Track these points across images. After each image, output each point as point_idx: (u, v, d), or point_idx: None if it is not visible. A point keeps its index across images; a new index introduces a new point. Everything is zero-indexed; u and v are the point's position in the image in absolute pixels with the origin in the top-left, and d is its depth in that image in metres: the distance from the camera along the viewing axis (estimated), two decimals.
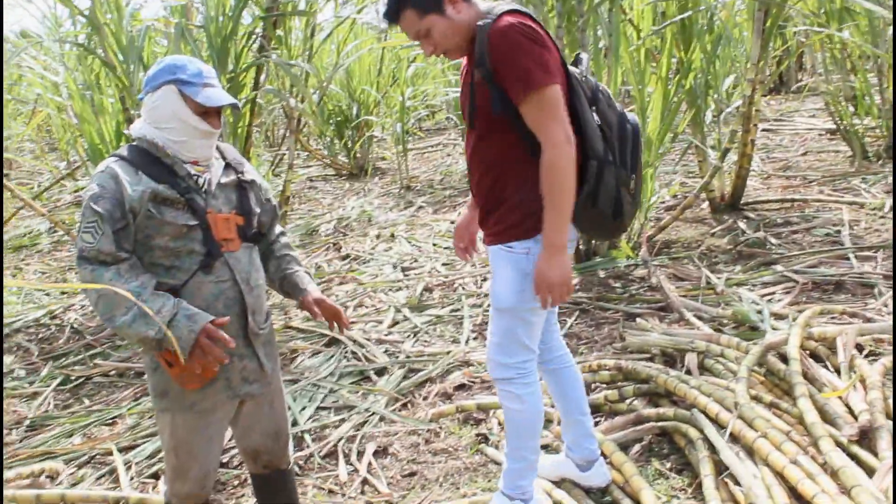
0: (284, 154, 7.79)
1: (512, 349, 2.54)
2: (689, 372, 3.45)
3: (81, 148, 7.03)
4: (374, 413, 3.75)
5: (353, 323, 4.94)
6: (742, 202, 6.47)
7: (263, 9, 5.50)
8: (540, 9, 5.09)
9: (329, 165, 11.13)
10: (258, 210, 2.47)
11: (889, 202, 5.94)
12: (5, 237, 8.25)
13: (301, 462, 3.41)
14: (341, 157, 11.09)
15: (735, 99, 6.79)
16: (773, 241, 5.45)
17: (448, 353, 4.25)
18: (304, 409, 3.87)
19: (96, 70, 6.36)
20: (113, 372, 4.59)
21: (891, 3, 7.17)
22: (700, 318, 4.16)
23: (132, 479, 3.38)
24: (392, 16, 2.39)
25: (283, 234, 2.65)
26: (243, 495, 3.21)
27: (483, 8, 2.40)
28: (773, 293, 4.49)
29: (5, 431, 3.93)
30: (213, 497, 3.13)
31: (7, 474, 3.33)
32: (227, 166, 2.42)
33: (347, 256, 6.66)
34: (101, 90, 6.14)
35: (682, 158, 8.06)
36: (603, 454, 3.00)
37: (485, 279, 5.52)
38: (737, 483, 2.66)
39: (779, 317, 4.00)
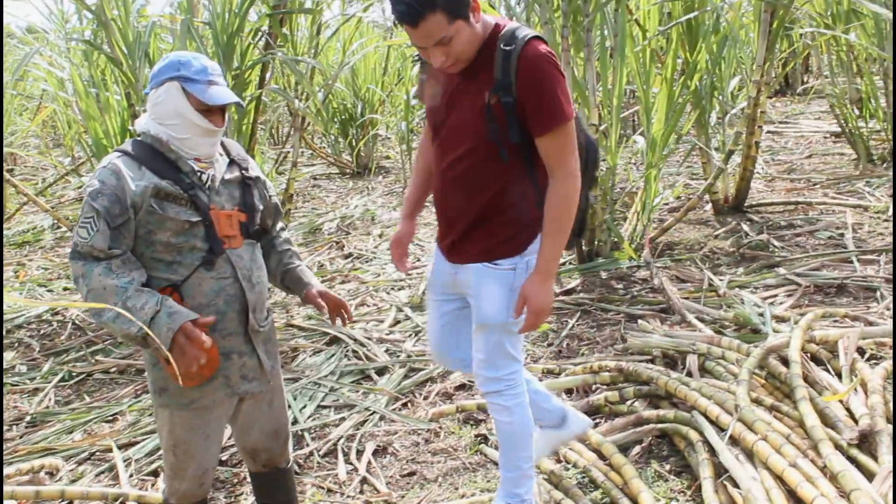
0: (289, 152, 7.79)
1: (500, 363, 2.52)
2: (689, 374, 3.45)
3: (86, 144, 7.03)
4: (374, 412, 3.75)
5: (354, 322, 4.95)
6: (746, 204, 6.46)
7: (270, 6, 5.50)
8: (546, 8, 5.08)
9: (333, 164, 11.13)
10: (261, 207, 2.46)
11: (893, 206, 5.92)
12: (9, 233, 8.26)
13: (301, 460, 3.41)
14: (345, 156, 11.08)
15: (740, 100, 6.77)
16: (776, 243, 5.44)
17: None
18: (304, 407, 3.87)
19: (102, 66, 6.37)
20: (114, 368, 4.59)
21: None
22: (702, 320, 4.15)
23: (131, 476, 3.38)
24: (416, 17, 2.13)
25: (283, 229, 2.65)
26: (242, 493, 3.21)
27: (490, 21, 2.33)
28: (776, 296, 4.48)
29: (5, 427, 3.94)
30: (212, 495, 3.14)
31: (7, 470, 3.33)
32: (232, 163, 2.42)
33: (350, 255, 6.66)
34: (106, 86, 6.15)
35: (687, 160, 8.05)
36: (602, 456, 3.00)
37: None
38: (736, 486, 2.65)
39: (780, 319, 3.99)
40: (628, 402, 3.41)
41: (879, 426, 2.63)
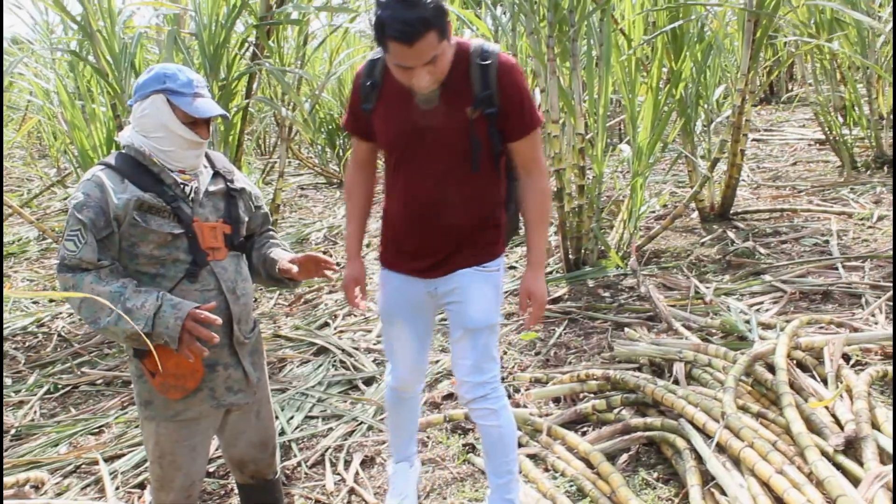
0: (275, 162, 7.78)
1: (486, 366, 2.56)
2: (676, 382, 3.45)
3: (72, 155, 7.01)
4: (362, 422, 3.74)
5: (341, 332, 4.94)
6: (731, 212, 6.50)
7: (257, 17, 5.51)
8: (532, 18, 5.11)
9: (320, 174, 11.12)
10: (246, 218, 2.46)
11: (877, 212, 5.96)
12: None
13: (288, 471, 3.39)
14: (332, 166, 11.08)
15: (725, 109, 6.82)
16: (762, 250, 5.47)
17: (437, 362, 4.24)
18: (292, 418, 3.86)
19: (88, 77, 6.35)
20: (100, 380, 4.56)
21: (880, 13, 7.22)
22: (688, 327, 4.16)
23: (118, 489, 3.36)
24: (414, 36, 2.13)
25: (269, 230, 2.62)
26: None
27: (452, 41, 2.36)
28: (762, 303, 4.50)
29: None
30: None
31: None
32: (216, 174, 2.42)
33: (338, 265, 6.64)
34: (92, 97, 6.13)
35: (673, 168, 8.09)
36: (590, 464, 3.00)
37: None
38: (723, 493, 2.66)
39: (767, 326, 4.01)
40: (616, 411, 3.41)
41: (865, 432, 2.65)
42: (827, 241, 5.47)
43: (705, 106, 6.42)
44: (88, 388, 4.50)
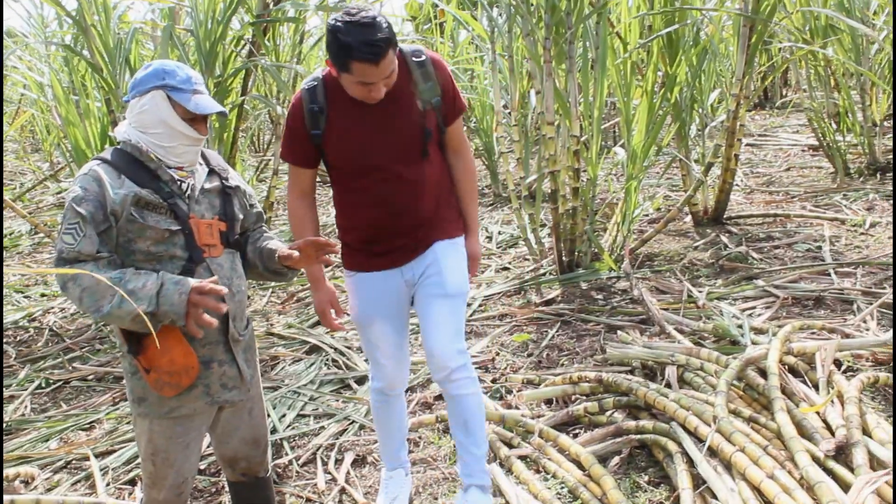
0: (270, 160, 7.78)
1: (462, 333, 2.75)
2: (668, 385, 3.46)
3: (66, 149, 6.99)
4: (353, 421, 3.74)
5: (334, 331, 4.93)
6: (725, 216, 6.51)
7: (253, 15, 5.50)
8: (528, 20, 5.11)
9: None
10: (241, 216, 2.47)
11: (870, 219, 5.99)
12: None
13: (280, 469, 3.39)
14: None
15: (719, 113, 6.83)
16: (755, 255, 5.48)
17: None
18: (283, 416, 3.86)
19: (82, 72, 6.33)
20: (91, 376, 4.55)
21: (874, 21, 7.25)
22: (681, 331, 4.17)
23: (108, 484, 3.35)
24: (382, 54, 2.34)
25: (262, 227, 2.62)
26: (221, 503, 3.19)
27: None
28: (754, 308, 4.51)
29: None
30: None
31: None
32: (211, 172, 2.42)
33: (331, 263, 6.63)
34: (86, 92, 6.11)
35: (667, 172, 8.11)
36: (581, 466, 3.01)
37: None
38: (714, 497, 2.67)
39: (759, 331, 4.02)
40: (607, 413, 3.42)
41: (855, 438, 2.66)
42: (819, 247, 5.50)
43: (700, 110, 6.43)
44: (80, 383, 4.49)
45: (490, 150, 8.83)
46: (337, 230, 2.84)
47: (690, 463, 2.87)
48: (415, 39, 8.71)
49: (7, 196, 7.14)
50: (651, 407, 3.29)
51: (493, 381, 4.01)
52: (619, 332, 4.31)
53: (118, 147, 2.31)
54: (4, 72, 7.97)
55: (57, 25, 7.24)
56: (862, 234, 5.76)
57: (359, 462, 3.42)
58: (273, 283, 5.77)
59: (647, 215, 6.95)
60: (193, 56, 5.23)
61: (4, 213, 8.75)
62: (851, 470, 2.57)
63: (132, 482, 3.37)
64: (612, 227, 5.87)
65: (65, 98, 6.06)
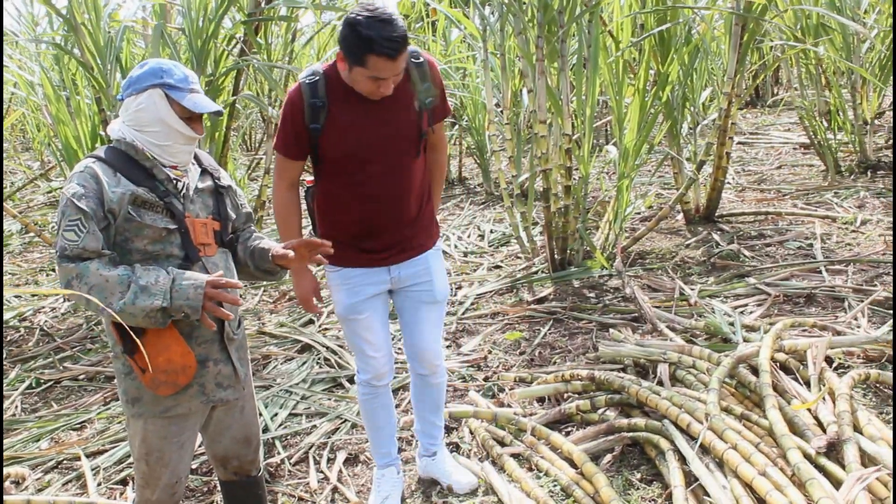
0: (261, 158, 7.76)
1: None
2: (661, 383, 3.47)
3: (56, 148, 6.96)
4: (345, 420, 3.73)
5: (326, 329, 4.93)
6: (716, 214, 6.53)
7: (245, 13, 5.48)
8: (520, 18, 5.11)
9: (305, 170, 11.08)
10: (234, 216, 2.46)
11: (861, 217, 6.01)
12: None
13: (272, 469, 3.39)
14: None
15: (711, 111, 6.84)
16: (747, 253, 5.50)
17: None
18: (275, 415, 3.85)
19: (73, 70, 6.30)
20: (83, 376, 4.54)
21: (865, 19, 7.28)
22: (673, 329, 4.18)
23: (99, 484, 3.34)
24: (399, 50, 2.40)
25: (251, 227, 2.62)
26: (213, 502, 3.18)
27: None
28: (746, 305, 4.52)
29: None
30: None
31: None
32: (204, 172, 2.41)
33: (323, 262, 6.62)
34: (77, 91, 6.09)
35: (658, 170, 8.11)
36: (573, 464, 3.01)
37: (459, 287, 5.53)
38: (706, 494, 2.68)
39: (750, 329, 4.03)
40: (600, 411, 3.42)
41: (846, 434, 2.67)
42: (811, 245, 5.51)
43: (692, 108, 6.44)
44: (71, 383, 4.47)
45: (482, 148, 8.83)
46: (317, 225, 2.84)
47: (683, 460, 2.87)
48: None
49: None
50: (643, 405, 3.29)
51: (486, 379, 4.01)
52: (611, 329, 4.31)
53: (112, 145, 2.29)
54: None
55: (47, 23, 7.20)
56: (853, 231, 5.78)
57: (351, 461, 3.42)
58: (265, 283, 5.76)
59: (638, 213, 6.96)
60: (185, 54, 5.21)
61: None
62: (843, 466, 2.58)
63: (123, 482, 3.36)
64: (604, 226, 5.87)
65: (55, 96, 6.04)
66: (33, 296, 6.04)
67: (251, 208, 2.61)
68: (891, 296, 4.28)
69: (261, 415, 3.72)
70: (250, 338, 4.80)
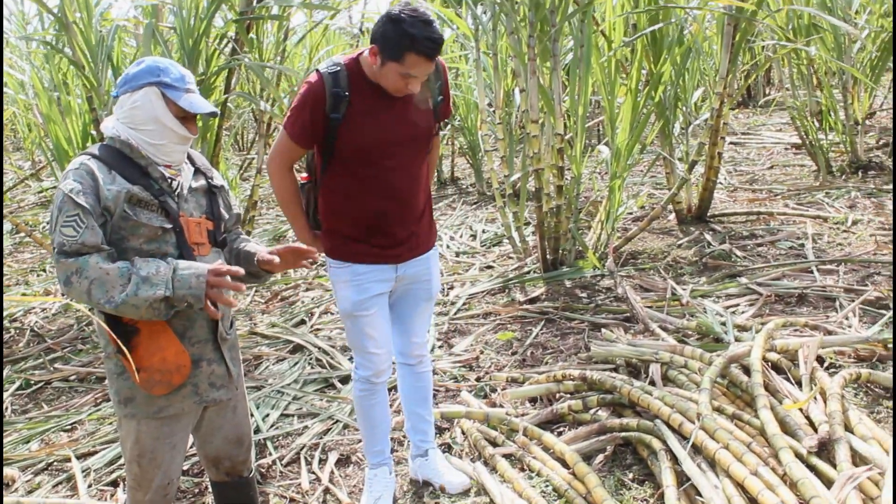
0: (253, 158, 7.74)
1: None
2: (652, 383, 3.47)
3: (47, 148, 6.92)
4: (337, 421, 3.72)
5: (318, 330, 4.92)
6: (708, 214, 6.54)
7: (237, 12, 5.46)
8: (512, 17, 5.10)
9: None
10: (227, 216, 2.46)
11: (852, 217, 6.03)
12: None
13: (263, 469, 3.38)
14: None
15: (703, 112, 6.85)
16: (739, 253, 5.51)
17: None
18: (267, 415, 3.84)
19: (64, 69, 6.28)
20: (73, 377, 4.52)
21: (857, 20, 7.30)
22: (665, 329, 4.18)
23: (90, 486, 3.32)
24: (437, 52, 2.48)
25: (238, 229, 2.61)
26: (204, 503, 3.16)
27: None
28: (738, 305, 4.53)
29: None
30: None
31: None
32: (197, 171, 2.41)
33: (314, 262, 6.61)
34: (68, 90, 6.06)
35: (651, 170, 8.13)
36: (565, 464, 3.01)
37: (451, 287, 5.52)
38: (698, 494, 2.68)
39: (742, 329, 4.04)
40: (592, 411, 3.42)
41: (838, 434, 2.67)
42: (802, 245, 5.52)
43: (684, 109, 6.45)
44: (61, 384, 4.46)
45: (474, 148, 8.82)
46: (323, 218, 2.81)
47: (675, 460, 2.87)
48: None
49: None
50: (635, 405, 3.29)
51: (478, 379, 4.00)
52: (603, 329, 4.31)
53: (106, 143, 2.27)
54: None
55: (38, 22, 7.17)
56: (844, 231, 5.79)
57: (343, 461, 3.41)
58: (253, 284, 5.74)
59: (631, 213, 6.97)
60: (176, 54, 5.19)
61: None
62: (834, 466, 2.58)
63: (114, 483, 3.34)
64: (596, 226, 5.88)
65: (46, 95, 6.01)
66: (23, 296, 6.01)
67: (243, 209, 2.60)
68: (882, 295, 4.30)
69: (252, 415, 3.71)
70: (242, 338, 4.79)
